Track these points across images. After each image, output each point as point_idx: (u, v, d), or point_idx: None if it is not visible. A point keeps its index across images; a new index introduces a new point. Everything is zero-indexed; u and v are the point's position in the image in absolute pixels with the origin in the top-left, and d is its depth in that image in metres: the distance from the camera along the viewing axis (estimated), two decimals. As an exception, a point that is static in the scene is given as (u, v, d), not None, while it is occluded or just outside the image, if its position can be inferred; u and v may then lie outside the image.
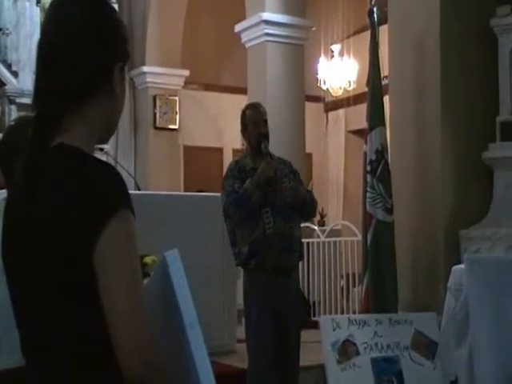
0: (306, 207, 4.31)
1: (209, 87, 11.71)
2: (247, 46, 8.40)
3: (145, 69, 10.48)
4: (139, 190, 5.97)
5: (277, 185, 4.20)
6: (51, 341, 1.33)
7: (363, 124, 5.25)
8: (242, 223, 4.16)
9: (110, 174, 1.33)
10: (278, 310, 4.13)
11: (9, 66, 10.30)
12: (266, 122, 4.34)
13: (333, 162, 12.32)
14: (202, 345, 1.31)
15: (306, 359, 4.64)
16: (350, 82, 10.91)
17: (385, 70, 5.40)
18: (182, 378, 1.38)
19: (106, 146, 7.95)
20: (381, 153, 4.93)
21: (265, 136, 4.29)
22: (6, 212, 1.43)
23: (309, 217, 4.57)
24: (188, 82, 11.07)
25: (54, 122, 1.38)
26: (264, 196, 4.14)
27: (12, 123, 2.27)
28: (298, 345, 4.25)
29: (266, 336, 4.10)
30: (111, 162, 6.65)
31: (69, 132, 1.39)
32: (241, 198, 4.12)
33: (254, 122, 4.31)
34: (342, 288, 7.80)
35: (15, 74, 10.28)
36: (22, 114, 2.38)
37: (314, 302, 7.75)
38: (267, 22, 8.02)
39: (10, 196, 1.46)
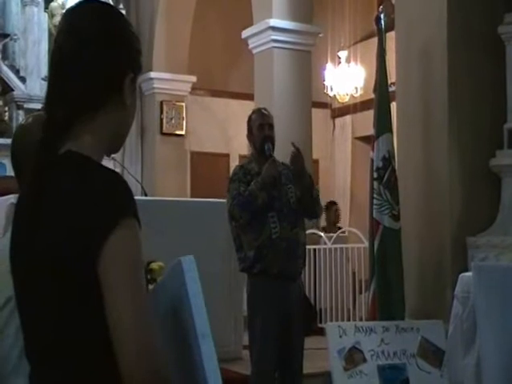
0: (311, 203, 4.28)
1: (216, 93, 11.72)
2: (254, 52, 8.41)
3: (152, 74, 10.48)
4: (146, 195, 5.97)
5: (282, 188, 4.20)
6: (58, 346, 1.33)
7: (370, 130, 5.24)
8: (248, 227, 4.15)
9: (114, 181, 1.33)
10: (282, 316, 4.11)
11: (17, 72, 10.35)
12: (271, 126, 4.36)
13: (339, 168, 12.30)
14: (213, 356, 1.30)
15: (312, 366, 4.63)
16: (356, 88, 10.91)
17: (392, 76, 5.40)
18: None
19: (112, 152, 7.96)
20: (388, 159, 4.91)
21: (270, 139, 4.31)
22: (15, 218, 1.44)
23: (314, 215, 4.49)
24: (195, 88, 11.08)
25: (63, 129, 1.39)
26: (270, 199, 4.14)
27: (23, 124, 2.21)
28: (301, 351, 4.23)
29: (269, 342, 4.08)
30: (118, 167, 6.66)
31: (77, 140, 1.39)
32: (246, 200, 4.12)
33: (259, 125, 4.34)
34: (348, 295, 7.78)
35: (23, 80, 10.32)
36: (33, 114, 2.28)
37: (320, 309, 7.74)
38: (274, 29, 8.03)
39: (18, 203, 1.46)
